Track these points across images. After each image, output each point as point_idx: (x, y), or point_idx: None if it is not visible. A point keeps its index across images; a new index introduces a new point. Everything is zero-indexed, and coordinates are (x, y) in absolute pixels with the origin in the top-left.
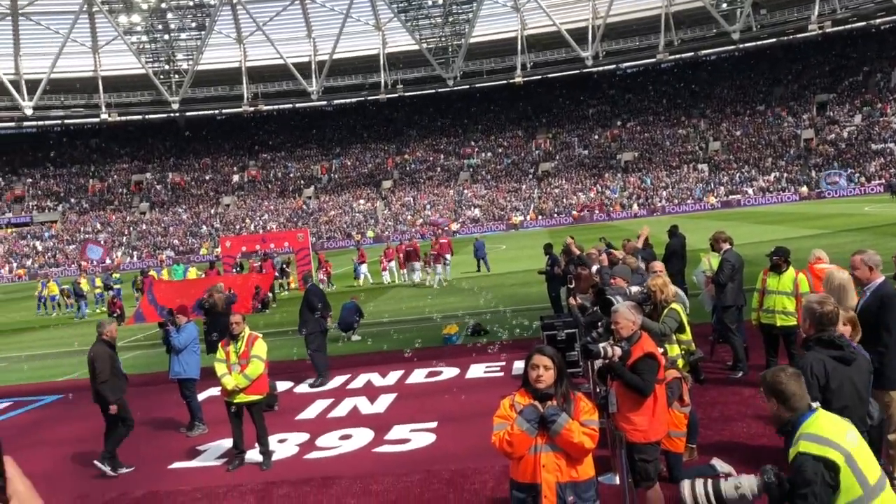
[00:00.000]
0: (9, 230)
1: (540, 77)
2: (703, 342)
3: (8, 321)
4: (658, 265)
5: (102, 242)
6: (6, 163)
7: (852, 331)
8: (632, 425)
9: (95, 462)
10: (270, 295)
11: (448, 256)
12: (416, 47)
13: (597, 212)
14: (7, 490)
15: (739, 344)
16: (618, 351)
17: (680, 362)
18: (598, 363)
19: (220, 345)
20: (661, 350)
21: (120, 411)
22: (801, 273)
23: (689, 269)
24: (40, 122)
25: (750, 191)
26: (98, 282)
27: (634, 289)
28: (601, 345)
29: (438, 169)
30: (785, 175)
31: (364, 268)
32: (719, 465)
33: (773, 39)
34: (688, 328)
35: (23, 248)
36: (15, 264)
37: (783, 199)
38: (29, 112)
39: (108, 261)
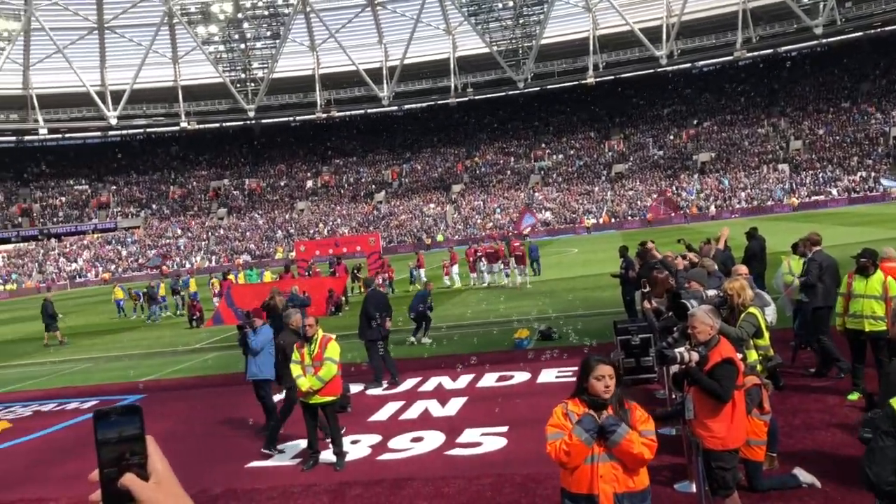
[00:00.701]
0: (95, 236)
1: (613, 77)
2: (783, 348)
3: (91, 323)
4: (742, 268)
5: (162, 251)
6: (93, 171)
7: None
8: (709, 432)
9: (263, 450)
10: (343, 298)
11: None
12: (487, 50)
13: (672, 214)
14: (147, 467)
15: (832, 345)
16: (695, 356)
17: (758, 368)
18: (674, 368)
19: (294, 346)
20: (739, 355)
21: (289, 393)
22: (891, 275)
23: (770, 272)
24: (124, 132)
25: (834, 191)
26: (163, 287)
27: (710, 292)
28: (677, 350)
29: (509, 172)
30: (872, 174)
31: (422, 272)
32: (801, 474)
33: (860, 33)
34: (766, 333)
35: (108, 253)
36: (101, 269)
37: (870, 200)
38: (113, 122)
39: (164, 267)
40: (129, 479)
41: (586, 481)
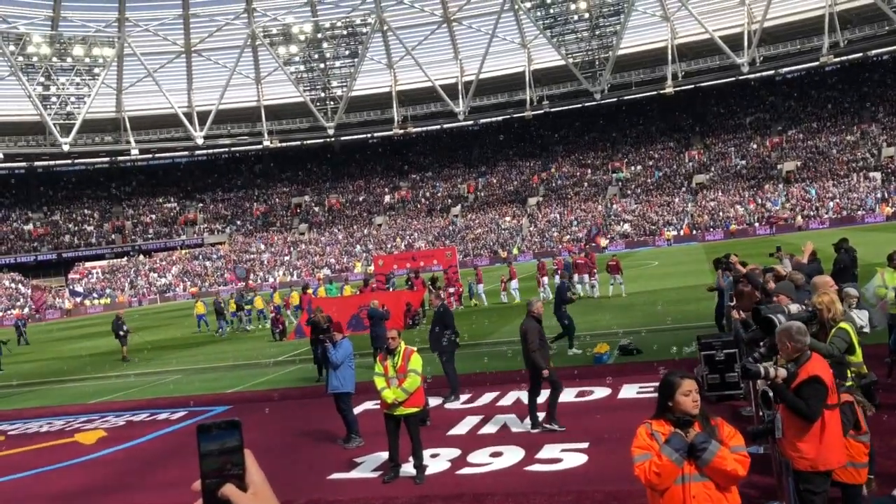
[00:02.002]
0: (183, 251)
1: (692, 86)
2: (877, 365)
3: (179, 336)
4: (827, 280)
5: (247, 265)
6: (181, 189)
7: None
8: (798, 452)
9: (545, 425)
10: (421, 311)
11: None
12: (562, 62)
13: (757, 225)
14: (245, 479)
15: None
16: (782, 372)
17: (850, 384)
18: (760, 384)
19: (377, 359)
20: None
21: (551, 374)
22: None
23: (862, 284)
24: (210, 151)
25: None
26: (231, 303)
27: (793, 307)
28: (762, 365)
29: (585, 184)
30: None
31: (481, 287)
32: None
33: None
34: (859, 349)
35: (195, 268)
36: (189, 283)
37: None
38: (200, 141)
39: (249, 281)
40: (229, 490)
41: (678, 503)
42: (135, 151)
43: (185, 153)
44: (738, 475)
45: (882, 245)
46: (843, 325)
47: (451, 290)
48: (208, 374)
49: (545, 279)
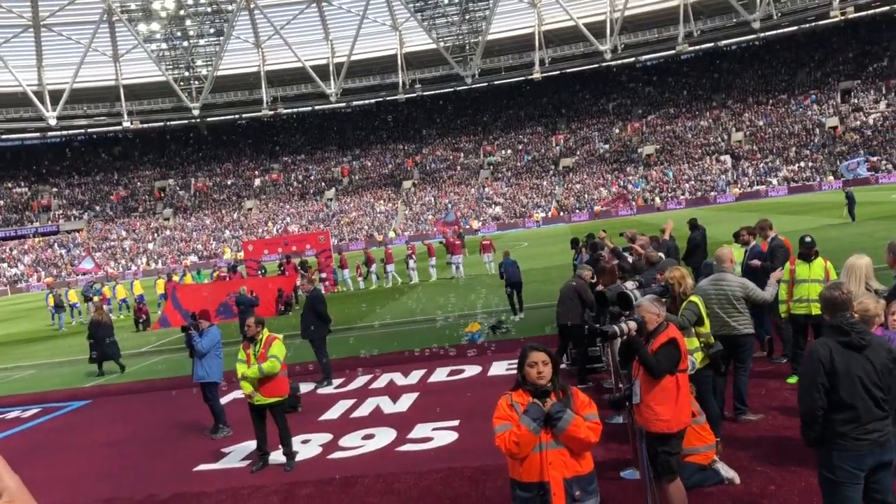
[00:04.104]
0: (36, 239)
1: (558, 72)
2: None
3: (33, 329)
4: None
5: (96, 256)
6: (33, 173)
7: None
8: (654, 415)
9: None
10: (293, 297)
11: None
12: (434, 46)
13: (620, 205)
14: None
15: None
16: (632, 324)
17: (699, 356)
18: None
19: (241, 347)
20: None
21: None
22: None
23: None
24: (64, 132)
25: (774, 181)
26: (72, 295)
27: (629, 284)
28: (615, 326)
29: (459, 167)
30: (810, 164)
31: (346, 273)
32: (723, 469)
33: (795, 27)
34: (707, 320)
35: (51, 257)
36: (43, 273)
37: (808, 189)
38: (53, 122)
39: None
40: None
41: (536, 469)
42: None
43: (37, 134)
44: (590, 441)
45: (731, 224)
46: (692, 298)
47: (323, 275)
48: (65, 369)
49: (373, 267)
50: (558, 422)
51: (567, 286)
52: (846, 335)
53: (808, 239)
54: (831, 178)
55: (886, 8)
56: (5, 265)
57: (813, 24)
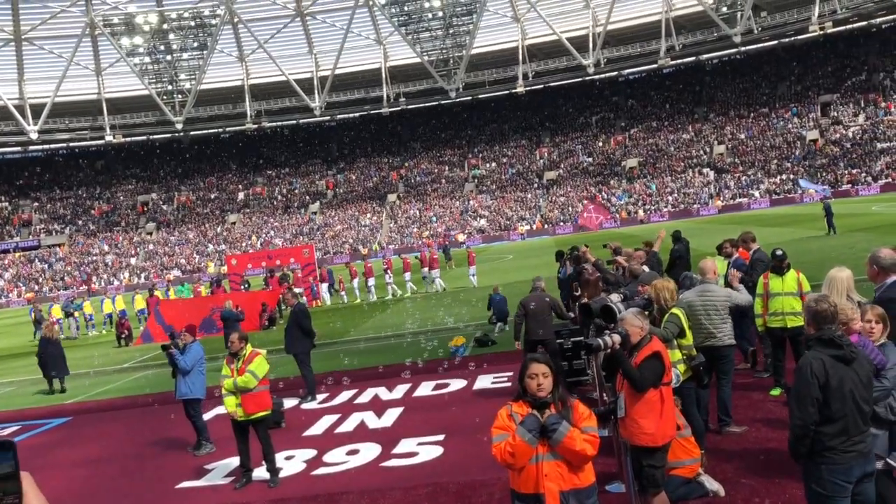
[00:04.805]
0: (17, 254)
1: (542, 86)
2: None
3: (13, 346)
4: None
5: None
6: (13, 187)
7: (882, 326)
8: (639, 428)
9: None
10: (277, 311)
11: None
12: (418, 60)
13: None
14: None
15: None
16: (616, 337)
17: (681, 367)
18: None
19: (225, 361)
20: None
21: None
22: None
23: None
24: (46, 146)
25: (756, 193)
26: (55, 311)
27: (614, 297)
28: (599, 339)
29: (443, 181)
30: (791, 177)
31: (323, 287)
32: (707, 481)
33: (775, 42)
34: (689, 333)
35: (31, 272)
36: (24, 288)
37: (790, 202)
38: (34, 136)
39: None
40: None
41: (532, 481)
42: None
43: (18, 149)
44: (586, 455)
45: (714, 236)
46: (674, 310)
47: (300, 290)
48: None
49: (356, 281)
50: (554, 433)
51: (539, 301)
52: (839, 349)
53: (779, 252)
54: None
55: (864, 23)
56: None
57: (793, 38)
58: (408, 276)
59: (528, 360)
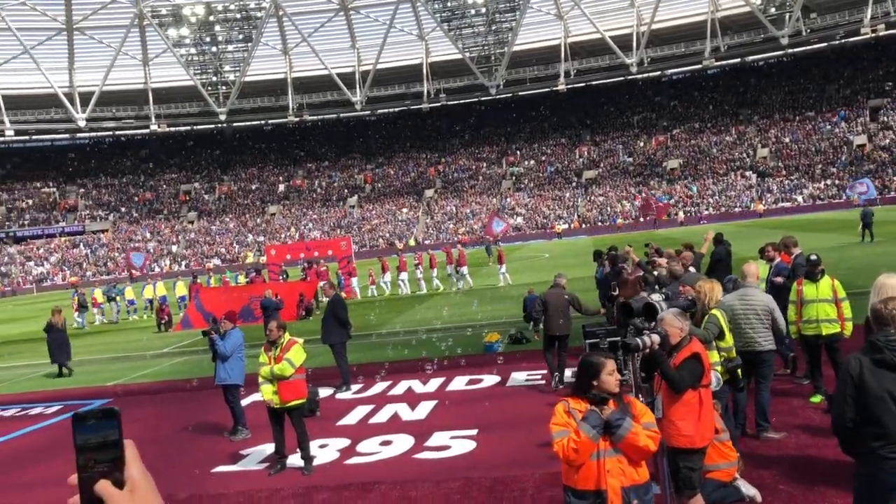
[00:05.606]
0: (62, 239)
1: (584, 84)
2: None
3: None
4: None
5: (148, 250)
6: (60, 173)
7: None
8: (677, 430)
9: None
10: (314, 302)
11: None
12: (459, 56)
13: (641, 220)
14: (124, 473)
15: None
16: (655, 338)
17: (720, 369)
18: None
19: (262, 349)
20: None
21: None
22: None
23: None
24: (93, 134)
25: (800, 198)
26: (97, 295)
27: (655, 296)
28: (638, 339)
29: (481, 177)
30: (836, 182)
31: (354, 281)
32: (744, 486)
33: (824, 44)
34: (728, 335)
35: (76, 257)
36: (68, 272)
37: (835, 207)
38: (82, 124)
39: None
40: (102, 487)
41: (593, 477)
42: (9, 132)
43: (66, 136)
44: (649, 450)
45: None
46: (714, 311)
47: (354, 279)
48: (87, 367)
49: (387, 276)
50: (618, 429)
51: (556, 297)
52: (880, 352)
53: (813, 257)
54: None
55: None
56: (32, 263)
57: (842, 40)
58: (435, 272)
59: (599, 358)
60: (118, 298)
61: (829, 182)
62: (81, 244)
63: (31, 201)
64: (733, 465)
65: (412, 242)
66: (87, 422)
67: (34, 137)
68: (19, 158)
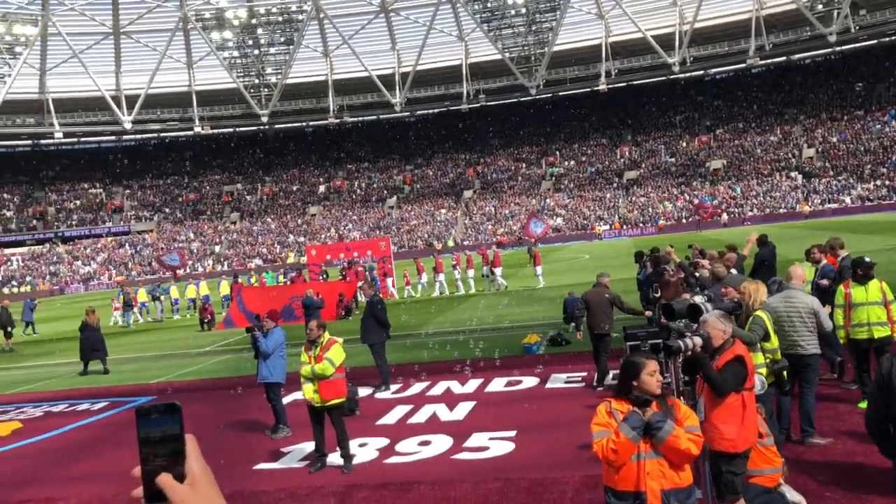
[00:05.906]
0: (109, 239)
1: (625, 84)
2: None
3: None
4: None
5: (183, 251)
6: (107, 174)
7: None
8: (719, 433)
9: None
10: (354, 302)
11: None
12: (499, 57)
13: (684, 221)
14: (185, 467)
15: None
16: (697, 340)
17: (764, 371)
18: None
19: (303, 349)
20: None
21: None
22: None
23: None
24: (138, 136)
25: (848, 199)
26: (141, 294)
27: (697, 298)
28: (680, 341)
29: (520, 178)
30: (887, 183)
31: (389, 282)
32: (789, 492)
33: (874, 41)
34: (774, 336)
35: (121, 257)
36: (114, 272)
37: (885, 208)
38: (128, 126)
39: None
40: (163, 480)
41: (633, 479)
42: (59, 135)
43: (113, 138)
44: (691, 454)
45: (801, 242)
46: (759, 313)
47: (389, 279)
48: (132, 364)
49: (423, 276)
50: (658, 431)
51: (597, 296)
52: None
53: (867, 259)
54: None
55: None
56: (79, 263)
57: (893, 37)
58: (471, 273)
59: (641, 359)
60: (163, 297)
61: (878, 183)
62: (127, 244)
63: (78, 202)
64: (778, 471)
65: (451, 243)
66: (150, 416)
67: (82, 139)
68: (68, 160)
